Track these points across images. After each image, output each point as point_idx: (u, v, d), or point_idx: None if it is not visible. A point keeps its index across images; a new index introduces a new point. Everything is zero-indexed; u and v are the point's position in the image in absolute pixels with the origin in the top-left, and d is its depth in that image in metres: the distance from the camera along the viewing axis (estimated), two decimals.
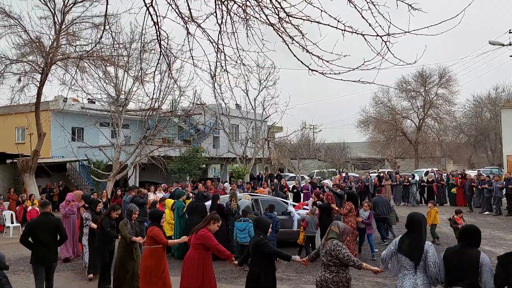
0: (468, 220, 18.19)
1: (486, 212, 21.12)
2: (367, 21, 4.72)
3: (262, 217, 7.72)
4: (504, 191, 20.75)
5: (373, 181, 25.77)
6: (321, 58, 5.16)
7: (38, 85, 21.49)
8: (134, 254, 8.68)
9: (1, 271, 6.27)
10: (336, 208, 12.47)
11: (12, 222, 18.05)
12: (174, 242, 9.16)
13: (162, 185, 19.47)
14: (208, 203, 13.02)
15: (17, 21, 20.83)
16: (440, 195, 24.99)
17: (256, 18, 5.51)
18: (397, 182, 25.89)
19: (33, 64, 21.37)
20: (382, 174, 28.71)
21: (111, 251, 9.63)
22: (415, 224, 5.60)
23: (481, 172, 25.53)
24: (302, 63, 5.34)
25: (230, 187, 19.30)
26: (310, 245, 12.09)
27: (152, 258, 7.69)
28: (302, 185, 24.52)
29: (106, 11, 6.39)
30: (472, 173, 26.52)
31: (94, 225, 10.15)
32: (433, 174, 26.71)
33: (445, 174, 26.87)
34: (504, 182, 20.71)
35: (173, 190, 17.08)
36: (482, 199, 22.01)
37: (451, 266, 5.16)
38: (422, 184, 25.55)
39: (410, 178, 26.03)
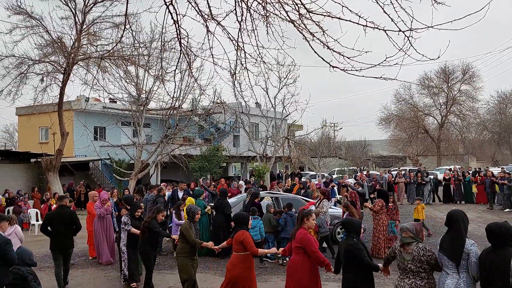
0: (491, 218, 17.95)
1: (507, 210, 20.80)
2: (389, 16, 4.65)
3: (352, 218, 6.82)
4: None
5: (387, 179, 25.51)
6: (342, 55, 5.10)
7: (61, 85, 21.76)
8: (196, 260, 8.03)
9: (29, 267, 6.39)
10: (369, 206, 12.36)
11: (37, 220, 18.37)
12: (265, 251, 7.91)
13: (163, 185, 18.27)
14: (230, 201, 13.29)
15: (38, 22, 21.09)
16: (457, 193, 24.69)
17: (276, 15, 5.47)
18: (410, 180, 25.46)
19: (55, 64, 21.64)
20: (403, 171, 28.45)
21: (155, 257, 8.98)
22: (453, 222, 5.26)
23: (505, 169, 25.15)
24: (323, 59, 5.29)
25: (245, 186, 19.34)
26: (324, 245, 12.00)
27: (244, 266, 6.97)
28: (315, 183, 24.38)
29: (127, 10, 6.42)
30: (495, 171, 26.10)
31: (135, 230, 9.29)
32: (449, 172, 26.33)
33: (462, 171, 26.54)
34: None
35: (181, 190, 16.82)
36: (502, 196, 21.74)
37: (484, 268, 4.86)
38: (444, 182, 25.17)
39: (424, 177, 25.56)
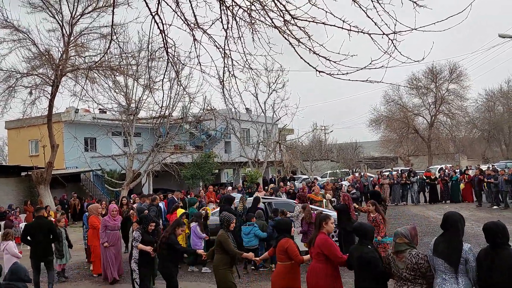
0: (483, 216, 18.03)
1: (494, 207, 20.99)
2: (372, 20, 4.70)
3: (363, 223, 6.26)
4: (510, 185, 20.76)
5: (371, 180, 25.37)
6: (328, 59, 5.13)
7: (49, 97, 21.71)
8: (235, 272, 7.43)
9: (24, 283, 6.37)
10: (358, 207, 12.39)
11: None
12: (308, 258, 7.09)
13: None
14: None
15: (26, 35, 21.07)
16: (444, 192, 24.54)
17: (261, 21, 5.51)
18: (394, 181, 25.02)
19: (44, 77, 21.59)
20: (387, 172, 28.44)
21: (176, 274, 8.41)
22: (451, 224, 5.00)
23: (495, 166, 25.30)
24: (309, 65, 5.32)
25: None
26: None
27: (290, 276, 6.44)
28: (299, 187, 24.19)
29: (113, 21, 6.43)
30: (485, 167, 26.28)
31: (144, 247, 8.61)
32: (434, 172, 26.28)
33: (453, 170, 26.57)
34: (510, 176, 20.64)
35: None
36: (489, 194, 21.87)
37: (483, 270, 4.68)
38: (430, 182, 25.12)
39: (411, 177, 25.26)
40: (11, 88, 21.36)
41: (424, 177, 25.35)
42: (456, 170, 26.20)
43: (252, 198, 14.23)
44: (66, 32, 21.25)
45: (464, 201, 23.64)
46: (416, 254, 5.03)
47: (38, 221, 10.19)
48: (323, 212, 6.82)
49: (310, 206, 13.65)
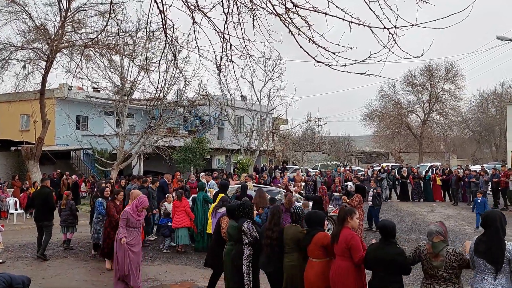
0: (469, 216, 18.21)
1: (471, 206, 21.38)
2: (374, 13, 4.67)
3: (386, 222, 5.69)
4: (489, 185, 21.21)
5: (344, 176, 25.31)
6: (327, 50, 5.10)
7: (43, 73, 21.47)
8: None
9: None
10: (347, 200, 12.51)
11: (16, 209, 18.16)
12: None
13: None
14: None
15: (22, 8, 20.75)
16: (415, 190, 24.63)
17: (262, 8, 5.45)
18: (365, 177, 24.74)
19: (38, 51, 21.33)
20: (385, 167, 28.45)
21: None
22: (491, 223, 4.83)
23: (485, 167, 25.54)
24: (308, 54, 5.29)
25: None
26: None
27: (327, 275, 5.89)
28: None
29: None
30: (475, 169, 26.50)
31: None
32: (406, 169, 26.34)
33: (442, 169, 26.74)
34: (490, 176, 20.98)
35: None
36: (468, 193, 22.20)
37: None
38: (401, 179, 25.11)
39: (380, 173, 25.15)
40: (4, 61, 21.11)
41: (396, 174, 25.54)
42: (446, 169, 26.38)
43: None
44: (63, 7, 20.94)
45: (435, 200, 23.94)
46: (453, 252, 4.97)
47: (41, 189, 11.85)
48: (347, 206, 6.51)
49: None
